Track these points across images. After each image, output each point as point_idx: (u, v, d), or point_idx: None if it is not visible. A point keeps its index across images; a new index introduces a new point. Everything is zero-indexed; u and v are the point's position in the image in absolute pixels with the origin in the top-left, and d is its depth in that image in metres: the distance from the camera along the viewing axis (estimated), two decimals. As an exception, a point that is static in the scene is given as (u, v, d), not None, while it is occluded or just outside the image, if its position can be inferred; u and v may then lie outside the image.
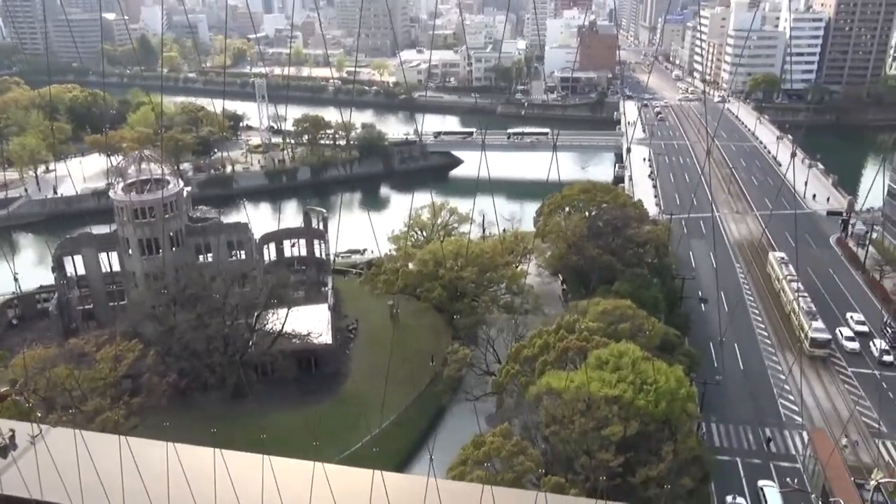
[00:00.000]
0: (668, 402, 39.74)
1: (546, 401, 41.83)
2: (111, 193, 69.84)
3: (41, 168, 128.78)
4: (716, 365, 61.83)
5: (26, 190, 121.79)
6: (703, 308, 72.31)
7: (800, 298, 68.17)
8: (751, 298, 74.79)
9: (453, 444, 53.45)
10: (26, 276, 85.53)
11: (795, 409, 56.25)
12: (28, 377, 49.44)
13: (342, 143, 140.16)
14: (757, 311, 72.00)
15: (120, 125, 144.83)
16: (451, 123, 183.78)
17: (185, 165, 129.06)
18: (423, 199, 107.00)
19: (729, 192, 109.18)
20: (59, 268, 69.51)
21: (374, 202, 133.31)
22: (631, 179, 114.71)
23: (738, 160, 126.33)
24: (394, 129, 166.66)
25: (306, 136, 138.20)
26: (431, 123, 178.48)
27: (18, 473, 3.13)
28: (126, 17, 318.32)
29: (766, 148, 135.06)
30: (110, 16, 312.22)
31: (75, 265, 71.20)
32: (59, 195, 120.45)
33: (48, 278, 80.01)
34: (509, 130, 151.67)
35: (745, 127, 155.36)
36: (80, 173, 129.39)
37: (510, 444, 39.28)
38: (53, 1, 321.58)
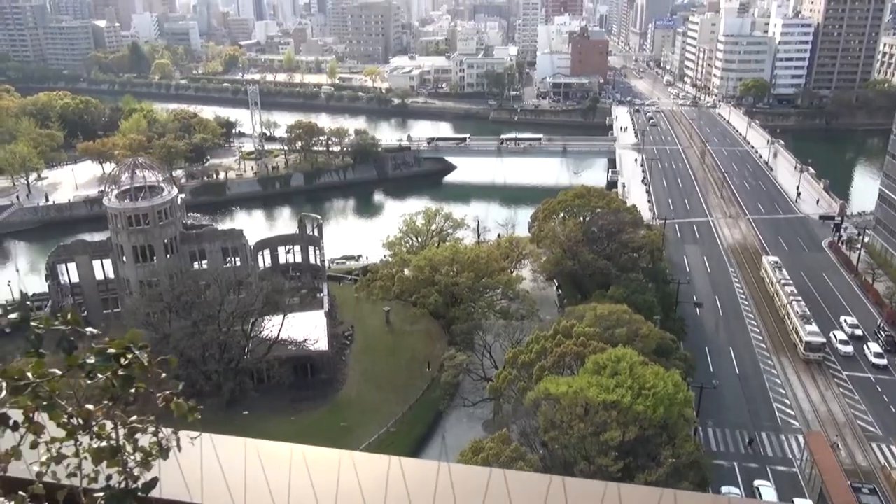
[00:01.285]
0: (665, 407, 39.82)
1: (544, 406, 41.84)
2: (105, 201, 69.55)
3: (33, 176, 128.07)
4: (711, 369, 62.09)
5: (17, 197, 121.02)
6: (698, 312, 72.60)
7: (794, 302, 68.56)
8: (745, 302, 75.15)
9: (451, 450, 53.52)
10: (18, 284, 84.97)
11: (791, 412, 56.50)
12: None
13: (335, 149, 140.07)
14: (751, 315, 72.33)
15: (112, 132, 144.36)
16: (444, 129, 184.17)
17: (178, 172, 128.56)
18: (417, 204, 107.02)
19: (721, 197, 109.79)
20: (52, 275, 69.13)
21: (367, 208, 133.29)
22: (624, 185, 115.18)
23: (730, 164, 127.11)
24: (387, 135, 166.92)
25: (299, 143, 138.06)
26: (424, 129, 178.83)
27: (181, 477, 3.26)
28: (117, 24, 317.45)
29: (757, 152, 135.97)
30: (101, 23, 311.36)
31: (69, 273, 70.82)
32: (50, 203, 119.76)
33: (41, 286, 79.60)
34: (502, 136, 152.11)
35: (737, 131, 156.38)
36: (72, 181, 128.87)
37: (509, 450, 39.27)
38: (44, 8, 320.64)
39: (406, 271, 70.46)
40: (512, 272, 74.57)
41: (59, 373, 2.82)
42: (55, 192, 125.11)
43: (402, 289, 68.12)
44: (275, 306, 63.26)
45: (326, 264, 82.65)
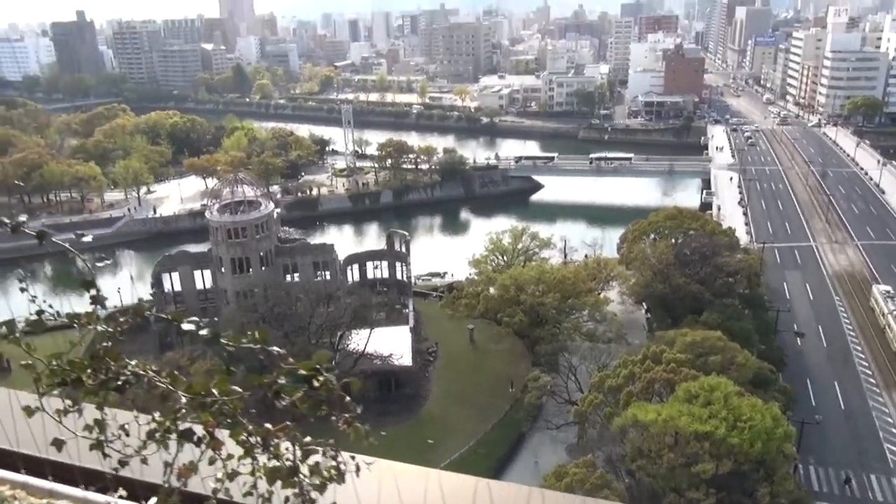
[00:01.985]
0: (763, 442, 37.71)
1: (632, 433, 40.55)
2: (207, 214, 73.30)
3: (143, 189, 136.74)
4: (813, 403, 58.38)
5: (129, 210, 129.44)
6: (799, 342, 68.56)
7: (908, 335, 63.67)
8: (852, 333, 70.37)
9: (533, 473, 52.63)
10: (127, 290, 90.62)
11: (904, 454, 52.27)
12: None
13: (424, 167, 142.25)
14: (859, 348, 67.60)
15: (215, 149, 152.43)
16: (532, 148, 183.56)
17: (274, 188, 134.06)
18: (503, 223, 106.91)
19: (826, 221, 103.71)
20: (157, 284, 73.30)
21: (454, 226, 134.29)
22: (719, 207, 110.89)
23: (836, 187, 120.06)
24: (475, 153, 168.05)
25: (389, 160, 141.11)
26: (512, 148, 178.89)
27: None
28: (223, 47, 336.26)
29: (867, 174, 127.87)
30: (209, 46, 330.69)
31: (172, 282, 74.87)
32: (158, 215, 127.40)
33: (145, 293, 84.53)
34: (591, 155, 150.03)
35: (844, 152, 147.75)
36: (177, 194, 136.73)
37: (594, 477, 38.22)
38: (158, 33, 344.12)
39: (491, 290, 70.32)
40: (599, 294, 73.02)
41: (240, 390, 2.87)
42: (162, 205, 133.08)
43: (487, 307, 67.99)
44: (362, 320, 64.50)
45: (412, 280, 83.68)
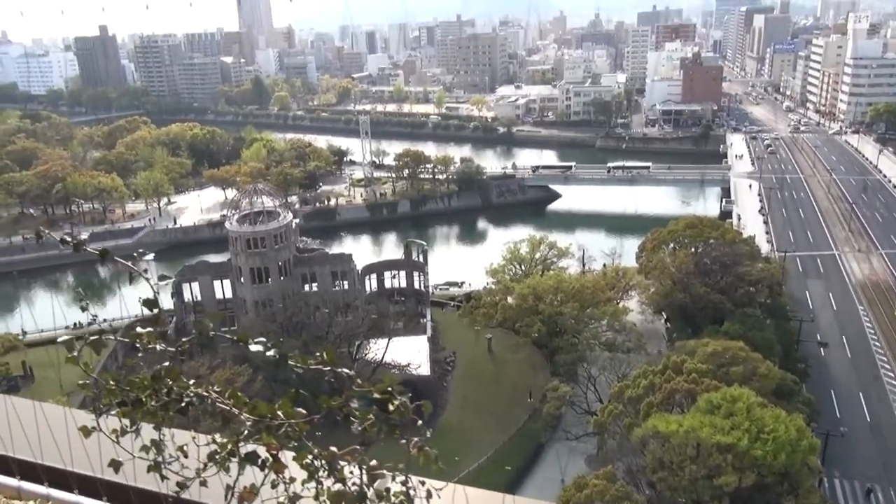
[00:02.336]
0: (787, 454, 37.04)
1: (652, 444, 40.04)
2: (227, 224, 73.90)
3: (164, 200, 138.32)
4: (838, 415, 57.40)
5: (150, 220, 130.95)
6: (823, 353, 67.52)
7: (935, 346, 62.46)
8: (877, 344, 69.16)
9: (552, 483, 52.15)
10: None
11: (933, 467, 51.13)
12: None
13: (441, 177, 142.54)
14: (885, 359, 66.38)
15: (234, 160, 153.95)
16: (549, 158, 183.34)
17: (293, 198, 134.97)
18: (520, 232, 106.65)
19: (849, 229, 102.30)
20: (177, 293, 73.91)
21: (471, 235, 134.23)
22: (739, 216, 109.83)
23: (858, 195, 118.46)
24: (492, 163, 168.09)
25: (407, 171, 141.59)
26: (529, 158, 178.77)
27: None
28: (242, 60, 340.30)
29: (890, 182, 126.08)
30: (228, 59, 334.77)
31: (192, 291, 75.48)
32: (178, 226, 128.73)
33: (167, 303, 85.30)
34: (609, 164, 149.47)
35: (867, 160, 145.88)
36: (197, 205, 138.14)
37: (614, 488, 37.78)
38: (179, 47, 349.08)
39: (509, 299, 70.07)
40: (618, 303, 72.49)
41: (305, 413, 2.79)
42: (182, 215, 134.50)
43: (505, 316, 67.73)
44: (380, 330, 64.54)
45: (430, 290, 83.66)
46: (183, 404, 2.85)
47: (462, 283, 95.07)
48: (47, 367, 67.06)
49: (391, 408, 2.77)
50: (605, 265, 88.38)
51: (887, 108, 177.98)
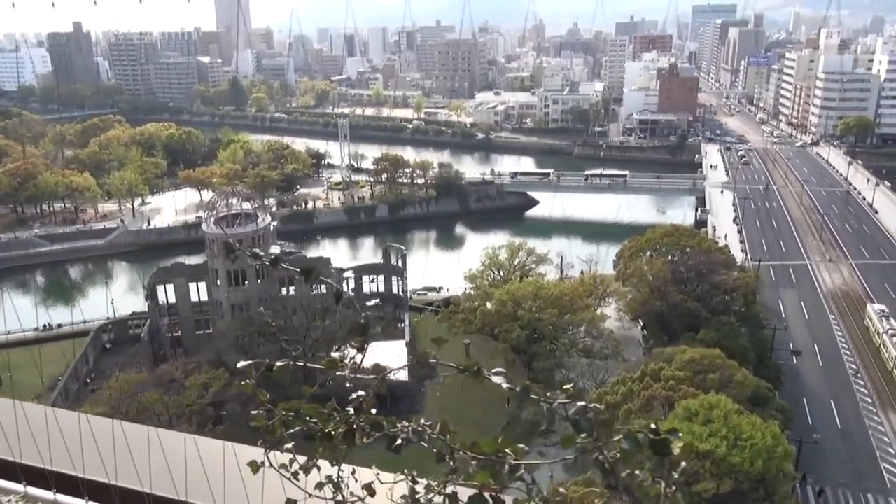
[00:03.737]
0: (764, 461, 37.54)
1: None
2: (203, 226, 72.97)
3: (137, 201, 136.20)
4: (810, 422, 58.31)
5: (123, 221, 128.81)
6: (795, 360, 68.60)
7: (903, 355, 63.79)
8: (847, 352, 70.48)
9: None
10: (119, 302, 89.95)
11: (902, 474, 52.14)
12: (120, 399, 51.51)
13: (420, 181, 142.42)
14: (855, 367, 67.66)
15: (210, 161, 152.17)
16: (528, 164, 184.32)
17: (270, 201, 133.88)
18: (498, 238, 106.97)
19: (820, 239, 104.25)
20: (152, 296, 72.74)
21: (449, 240, 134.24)
22: (714, 225, 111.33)
23: (829, 206, 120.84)
24: (470, 168, 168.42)
25: (385, 175, 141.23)
26: (507, 164, 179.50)
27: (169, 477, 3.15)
28: (219, 60, 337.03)
29: (860, 194, 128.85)
30: (205, 59, 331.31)
31: (167, 294, 74.34)
32: (152, 227, 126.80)
33: (140, 305, 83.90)
34: (587, 172, 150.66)
35: (837, 172, 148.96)
36: (172, 206, 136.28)
37: (593, 495, 37.82)
38: (155, 45, 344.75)
39: (488, 305, 70.11)
40: (596, 310, 72.91)
41: (526, 448, 2.55)
42: (156, 216, 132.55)
43: (484, 322, 67.73)
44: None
45: (408, 295, 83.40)
46: (399, 442, 2.55)
47: (440, 288, 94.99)
48: (17, 369, 65.49)
49: (675, 451, 2.40)
50: (582, 272, 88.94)
51: (857, 121, 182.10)
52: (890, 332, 68.45)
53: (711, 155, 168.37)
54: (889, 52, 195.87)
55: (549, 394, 2.55)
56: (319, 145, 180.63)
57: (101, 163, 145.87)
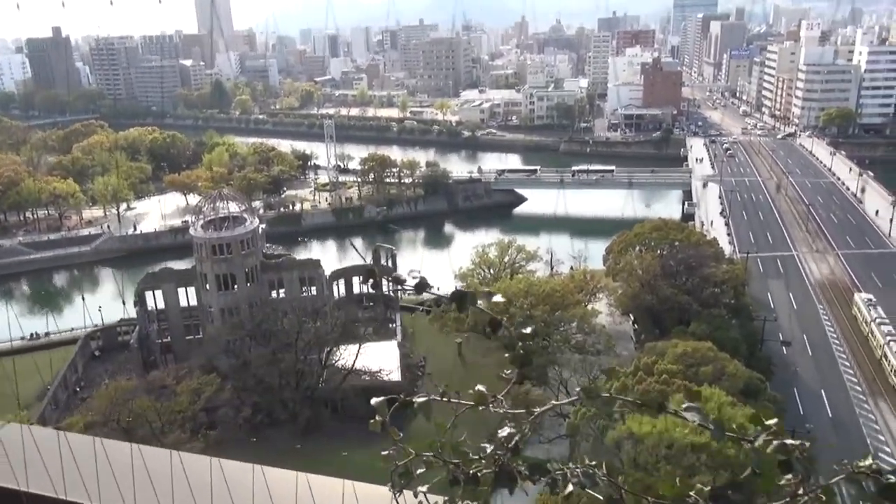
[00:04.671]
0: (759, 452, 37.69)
1: (627, 446, 40.36)
2: (191, 231, 72.38)
3: (123, 206, 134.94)
4: (802, 412, 58.78)
5: (108, 227, 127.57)
6: (785, 351, 69.11)
7: (891, 342, 64.41)
8: (836, 341, 71.13)
9: (528, 487, 52.16)
10: (106, 309, 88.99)
11: (894, 461, 52.62)
12: (112, 407, 50.99)
13: (407, 181, 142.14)
14: (844, 356, 68.31)
15: (195, 165, 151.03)
16: (514, 161, 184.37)
17: (256, 203, 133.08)
18: (487, 236, 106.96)
19: (807, 230, 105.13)
20: (140, 302, 72.06)
21: (438, 239, 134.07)
22: (702, 218, 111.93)
23: (814, 197, 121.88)
24: (457, 167, 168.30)
25: (372, 175, 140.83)
26: (494, 162, 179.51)
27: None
28: (202, 63, 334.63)
29: (844, 184, 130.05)
30: (187, 62, 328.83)
31: (155, 299, 73.67)
32: (138, 232, 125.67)
33: (127, 312, 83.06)
34: (574, 168, 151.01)
35: (820, 162, 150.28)
36: (158, 211, 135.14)
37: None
38: (136, 49, 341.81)
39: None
40: (586, 306, 73.06)
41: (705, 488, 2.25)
42: (142, 222, 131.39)
43: (476, 320, 67.61)
44: (350, 336, 63.92)
45: (399, 295, 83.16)
46: (570, 489, 2.30)
47: (430, 287, 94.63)
48: (2, 380, 64.63)
49: None
50: (572, 268, 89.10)
51: (839, 112, 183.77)
52: (878, 320, 69.10)
53: (696, 148, 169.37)
54: (869, 43, 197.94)
55: (749, 432, 2.30)
56: (305, 147, 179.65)
57: (85, 168, 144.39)
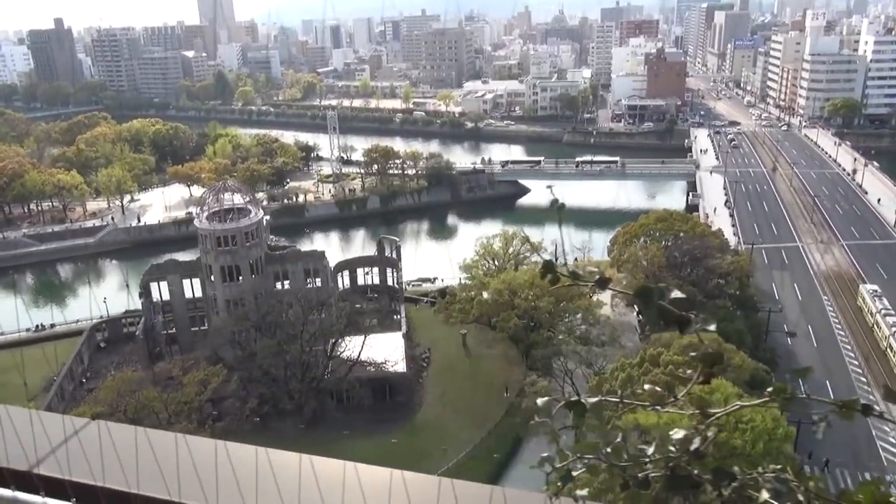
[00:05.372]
0: (765, 443, 37.76)
1: (633, 437, 40.36)
2: (196, 222, 72.36)
3: (126, 198, 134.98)
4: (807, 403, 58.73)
5: (112, 218, 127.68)
6: (790, 342, 69.06)
7: (897, 334, 64.33)
8: (841, 333, 71.04)
9: (532, 477, 52.35)
10: (111, 300, 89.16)
11: (898, 452, 52.72)
12: (118, 398, 51.18)
13: (410, 172, 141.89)
14: (849, 347, 68.24)
15: (199, 156, 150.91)
16: (517, 153, 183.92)
17: (260, 195, 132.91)
18: (490, 228, 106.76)
19: (812, 221, 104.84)
20: (146, 293, 72.15)
21: (441, 231, 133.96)
22: (706, 209, 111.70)
23: (819, 188, 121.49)
24: (460, 158, 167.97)
25: (375, 166, 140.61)
26: (497, 153, 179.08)
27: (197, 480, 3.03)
28: (204, 54, 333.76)
29: (849, 175, 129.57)
30: (189, 53, 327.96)
31: (160, 291, 73.77)
32: (142, 224, 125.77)
33: (132, 303, 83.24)
34: (578, 159, 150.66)
35: (825, 153, 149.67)
36: (161, 203, 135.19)
37: (597, 481, 37.95)
38: (138, 41, 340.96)
39: (485, 294, 70.07)
40: (591, 297, 73.03)
41: None
42: (146, 213, 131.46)
43: (481, 312, 67.74)
44: (355, 327, 63.99)
45: (403, 286, 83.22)
46: (765, 498, 2.06)
47: (435, 278, 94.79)
48: (10, 371, 64.86)
49: None
50: (576, 259, 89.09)
51: (844, 103, 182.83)
52: (883, 311, 69.01)
53: (701, 139, 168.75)
54: (874, 33, 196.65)
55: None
56: (308, 138, 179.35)
57: (88, 160, 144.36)
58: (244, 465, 3.54)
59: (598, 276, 2.60)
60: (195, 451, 3.64)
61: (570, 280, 2.56)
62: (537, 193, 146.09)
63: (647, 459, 2.30)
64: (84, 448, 3.72)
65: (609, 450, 2.31)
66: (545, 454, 2.39)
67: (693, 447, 2.24)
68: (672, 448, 2.26)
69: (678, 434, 2.32)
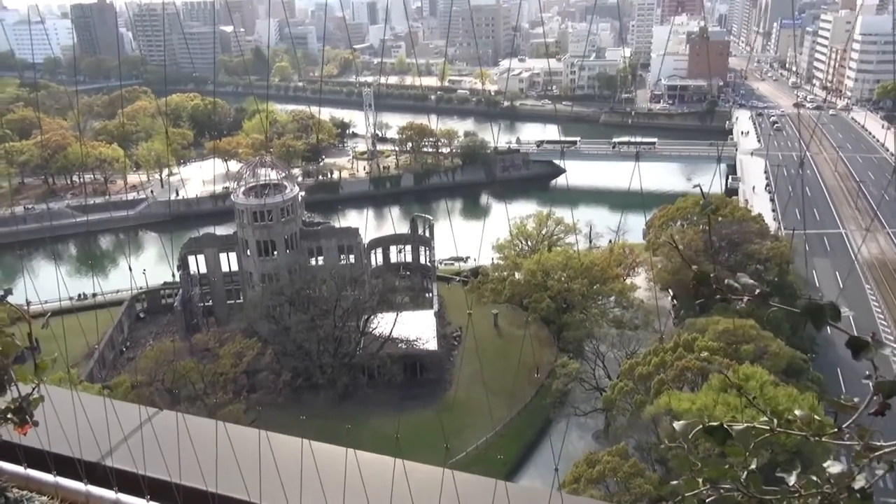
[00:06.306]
0: (801, 432, 37.11)
1: (665, 422, 40.06)
2: (233, 197, 73.27)
3: (165, 172, 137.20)
4: (844, 392, 57.48)
5: (152, 192, 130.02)
6: (829, 331, 67.16)
7: (942, 325, 62.44)
8: (884, 323, 69.23)
9: (560, 459, 52.38)
10: (150, 272, 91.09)
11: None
12: (156, 367, 52.47)
13: (445, 150, 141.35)
14: (891, 338, 66.50)
15: (236, 131, 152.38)
16: (553, 132, 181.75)
17: (295, 171, 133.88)
18: (524, 208, 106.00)
19: (856, 208, 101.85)
20: (183, 266, 73.51)
21: (475, 210, 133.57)
22: (745, 193, 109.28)
23: (865, 173, 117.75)
24: (495, 137, 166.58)
25: (410, 144, 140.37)
26: (533, 132, 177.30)
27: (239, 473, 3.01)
28: (242, 30, 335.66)
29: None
30: (228, 28, 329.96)
31: (198, 264, 75.08)
32: (180, 197, 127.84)
33: (169, 275, 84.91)
34: (614, 139, 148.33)
35: (874, 137, 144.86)
36: (199, 177, 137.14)
37: (627, 465, 37.88)
38: (177, 16, 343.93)
39: (517, 275, 69.84)
40: (625, 280, 72.31)
41: None
42: (184, 187, 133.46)
43: (514, 292, 67.55)
44: (387, 304, 64.38)
45: (436, 264, 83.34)
46: None
47: (467, 258, 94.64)
48: (52, 340, 66.89)
49: None
50: (611, 241, 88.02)
51: (895, 85, 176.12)
52: (929, 302, 66.98)
53: (742, 121, 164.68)
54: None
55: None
56: (343, 115, 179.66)
57: (129, 134, 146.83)
58: (329, 463, 3.52)
59: (757, 290, 2.31)
60: (276, 448, 3.61)
61: (724, 294, 2.25)
62: (572, 174, 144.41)
63: (796, 492, 2.08)
64: (157, 437, 3.70)
65: (744, 477, 2.06)
66: (673, 482, 2.12)
67: (857, 485, 2.00)
68: (828, 482, 2.05)
69: (835, 468, 2.11)
